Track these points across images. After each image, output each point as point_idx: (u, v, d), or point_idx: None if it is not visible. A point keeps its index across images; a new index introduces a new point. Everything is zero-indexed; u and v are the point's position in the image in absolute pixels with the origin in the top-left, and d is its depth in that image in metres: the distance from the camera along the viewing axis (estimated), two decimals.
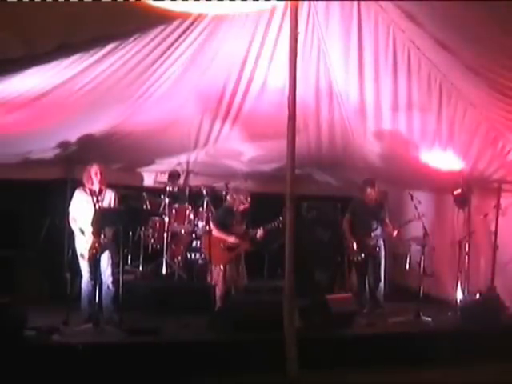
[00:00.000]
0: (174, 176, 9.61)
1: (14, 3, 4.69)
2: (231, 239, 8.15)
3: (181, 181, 9.89)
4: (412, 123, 8.04)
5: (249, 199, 8.26)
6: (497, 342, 7.33)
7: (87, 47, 5.77)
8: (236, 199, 8.28)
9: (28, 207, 9.09)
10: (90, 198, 7.20)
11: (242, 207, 8.24)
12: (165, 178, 9.73)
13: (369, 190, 8.58)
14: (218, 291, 8.07)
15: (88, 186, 7.30)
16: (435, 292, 9.40)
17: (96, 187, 7.25)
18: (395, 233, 8.54)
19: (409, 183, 9.59)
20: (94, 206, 7.13)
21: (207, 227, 8.43)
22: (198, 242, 9.55)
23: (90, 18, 5.03)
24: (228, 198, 8.51)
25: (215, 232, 8.19)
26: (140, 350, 6.48)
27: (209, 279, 8.33)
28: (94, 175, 7.26)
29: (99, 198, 7.20)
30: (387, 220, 8.67)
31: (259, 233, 8.19)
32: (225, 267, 8.10)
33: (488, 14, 5.34)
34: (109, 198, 7.38)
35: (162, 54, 6.57)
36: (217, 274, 8.10)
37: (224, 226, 8.21)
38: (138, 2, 4.66)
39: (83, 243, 7.21)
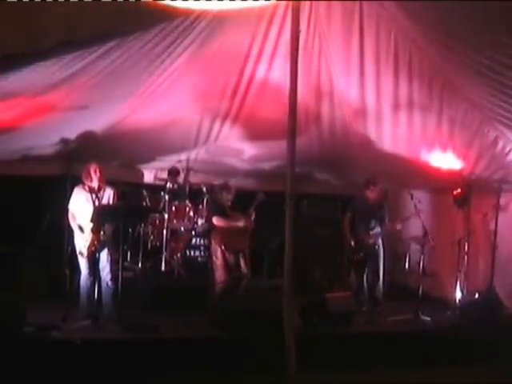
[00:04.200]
0: (173, 173, 9.59)
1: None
2: (240, 223, 8.19)
3: (181, 178, 9.88)
4: (413, 123, 8.03)
5: (231, 190, 8.31)
6: (496, 342, 7.34)
7: (88, 44, 5.77)
8: (220, 193, 8.34)
9: (28, 204, 9.06)
10: (89, 195, 7.21)
11: (229, 198, 8.28)
12: (165, 175, 9.72)
13: (371, 188, 8.58)
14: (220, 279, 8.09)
15: (87, 183, 7.30)
16: (434, 291, 9.40)
17: (95, 185, 7.26)
18: (399, 226, 8.56)
19: (409, 183, 9.59)
20: (93, 203, 7.14)
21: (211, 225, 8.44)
22: (198, 240, 9.56)
23: (91, 15, 5.02)
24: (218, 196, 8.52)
25: (222, 223, 8.19)
26: (139, 347, 6.49)
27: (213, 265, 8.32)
28: (93, 173, 7.26)
29: (98, 195, 7.22)
30: (387, 219, 8.68)
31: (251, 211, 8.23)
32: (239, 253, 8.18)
33: (490, 14, 5.32)
34: (108, 196, 7.38)
35: (163, 52, 6.56)
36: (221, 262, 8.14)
37: (225, 217, 8.25)
38: (139, 1, 4.66)
39: (82, 240, 7.22)
